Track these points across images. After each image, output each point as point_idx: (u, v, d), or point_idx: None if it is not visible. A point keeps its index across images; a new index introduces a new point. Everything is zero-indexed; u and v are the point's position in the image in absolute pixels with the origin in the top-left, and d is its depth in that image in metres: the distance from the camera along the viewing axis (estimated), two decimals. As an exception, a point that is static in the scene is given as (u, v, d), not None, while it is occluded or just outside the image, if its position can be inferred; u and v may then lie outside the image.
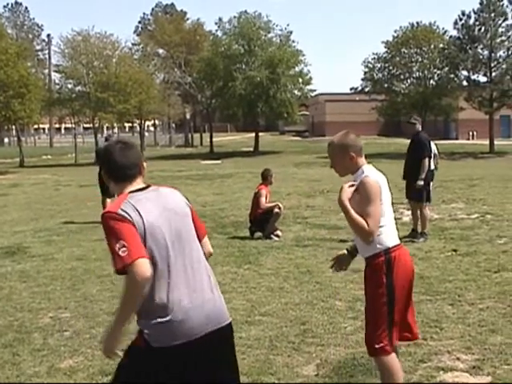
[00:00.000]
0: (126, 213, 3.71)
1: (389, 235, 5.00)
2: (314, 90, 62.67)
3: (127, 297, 3.64)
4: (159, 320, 3.73)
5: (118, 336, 3.77)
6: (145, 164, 4.07)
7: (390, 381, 4.98)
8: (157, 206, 3.84)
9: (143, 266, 3.55)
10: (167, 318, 3.72)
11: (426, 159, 13.03)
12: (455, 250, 11.79)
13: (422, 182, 12.97)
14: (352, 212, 4.85)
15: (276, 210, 14.03)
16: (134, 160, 3.98)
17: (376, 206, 4.84)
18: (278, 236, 13.79)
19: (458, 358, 6.43)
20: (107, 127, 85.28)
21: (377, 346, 4.89)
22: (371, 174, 4.98)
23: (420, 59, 60.09)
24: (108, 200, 18.24)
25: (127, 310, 3.70)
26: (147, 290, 3.65)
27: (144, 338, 3.78)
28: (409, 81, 60.98)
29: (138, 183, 3.97)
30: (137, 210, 3.73)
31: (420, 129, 13.49)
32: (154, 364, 3.73)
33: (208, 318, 3.83)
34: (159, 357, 3.72)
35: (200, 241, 4.14)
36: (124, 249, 3.57)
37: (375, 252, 4.94)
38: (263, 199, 14.16)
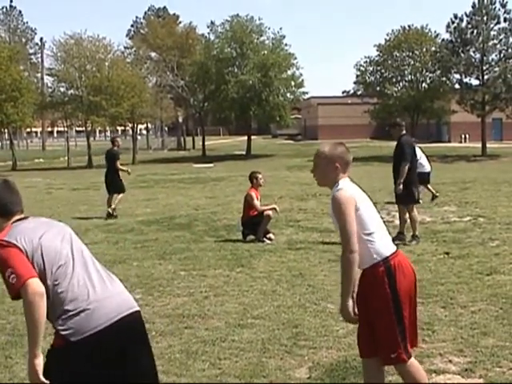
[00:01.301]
0: (10, 239, 3.98)
1: (382, 243, 4.93)
2: (307, 93, 62.76)
3: (31, 316, 3.82)
4: (72, 313, 3.94)
5: (38, 360, 3.88)
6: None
7: None
8: (40, 227, 4.19)
9: (33, 284, 3.81)
10: (79, 310, 3.94)
11: (403, 164, 13.00)
12: (447, 253, 11.81)
13: (400, 187, 12.96)
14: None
15: (267, 212, 14.01)
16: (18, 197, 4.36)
17: (348, 221, 4.76)
18: (270, 239, 13.79)
19: (450, 361, 6.44)
20: (99, 130, 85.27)
21: (392, 356, 4.84)
22: (344, 187, 4.90)
23: (412, 62, 60.24)
24: (116, 195, 18.96)
25: (36, 328, 3.83)
26: (46, 302, 3.85)
27: (62, 336, 3.93)
28: (401, 84, 61.11)
29: (19, 216, 4.27)
30: (21, 234, 4.03)
31: (403, 132, 13.46)
32: (76, 358, 3.90)
33: (118, 305, 4.09)
34: (80, 349, 3.89)
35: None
36: (13, 275, 3.82)
37: (373, 262, 4.85)
38: (256, 201, 14.16)
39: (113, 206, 18.57)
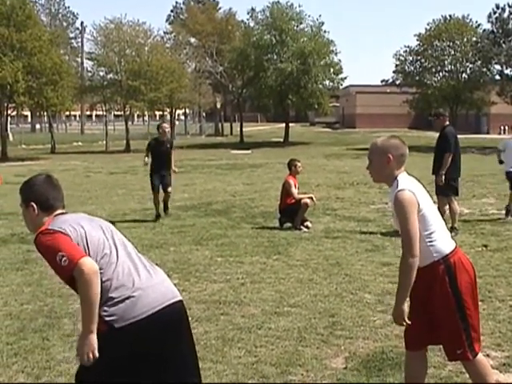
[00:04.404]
0: (54, 227, 4.12)
1: (443, 241, 4.85)
2: (345, 78, 62.27)
3: (87, 293, 3.89)
4: (117, 300, 4.03)
5: (94, 336, 3.98)
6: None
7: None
8: (82, 219, 4.34)
9: (87, 263, 3.90)
10: (124, 297, 4.03)
11: (447, 154, 12.90)
12: (486, 246, 11.72)
13: (442, 178, 12.87)
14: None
15: (304, 200, 13.99)
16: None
17: (411, 223, 4.65)
18: (307, 227, 13.77)
19: (487, 355, 6.36)
20: (138, 115, 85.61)
21: (458, 352, 4.80)
22: (405, 185, 4.77)
23: (452, 52, 59.57)
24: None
25: (92, 305, 3.91)
26: (99, 283, 3.95)
27: (106, 322, 4.01)
28: (441, 74, 60.51)
29: (61, 211, 4.42)
30: (65, 223, 4.16)
31: (447, 123, 13.34)
32: (118, 344, 4.01)
33: (162, 294, 4.20)
34: (123, 336, 4.00)
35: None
36: (64, 258, 3.90)
37: (433, 260, 4.78)
38: (294, 189, 14.15)
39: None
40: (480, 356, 4.88)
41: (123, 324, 3.99)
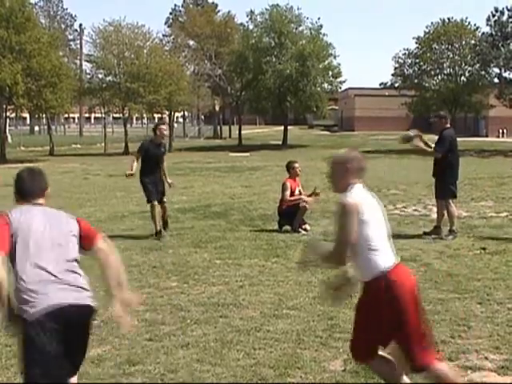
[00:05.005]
0: (9, 214, 4.79)
1: (384, 256, 4.97)
2: (344, 82, 62.34)
3: None
4: (23, 290, 4.54)
5: None
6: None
7: None
8: (38, 212, 4.87)
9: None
10: (30, 289, 4.53)
11: (437, 154, 12.93)
12: (484, 249, 11.72)
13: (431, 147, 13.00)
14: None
15: (302, 203, 14.00)
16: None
17: (347, 231, 4.81)
18: (306, 230, 13.79)
19: (486, 358, 6.39)
20: (136, 117, 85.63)
21: (418, 362, 4.88)
22: (354, 194, 4.93)
23: (451, 55, 59.60)
24: None
25: None
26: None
27: (21, 317, 4.50)
28: (439, 77, 60.49)
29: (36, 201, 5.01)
30: (17, 212, 4.81)
31: (447, 125, 13.35)
32: (33, 333, 4.47)
33: (67, 295, 4.59)
34: (34, 327, 4.45)
35: (90, 248, 5.01)
36: None
37: (374, 276, 4.89)
38: (286, 193, 14.16)
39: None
40: (438, 364, 4.96)
41: (33, 318, 4.45)
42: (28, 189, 5.02)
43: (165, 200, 13.91)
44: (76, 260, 4.84)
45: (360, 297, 5.11)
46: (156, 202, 13.53)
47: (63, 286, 4.62)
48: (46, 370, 4.48)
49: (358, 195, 4.95)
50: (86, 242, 4.98)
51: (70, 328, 4.56)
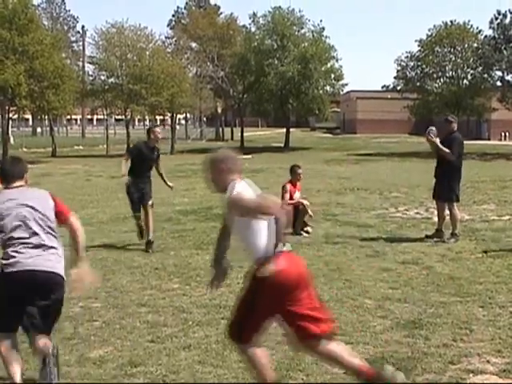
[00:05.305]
0: None
1: (268, 242, 5.14)
2: (346, 85, 62.34)
3: None
4: (6, 255, 5.69)
5: None
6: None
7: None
8: (18, 193, 5.92)
9: None
10: (10, 255, 5.66)
11: (452, 156, 12.93)
12: (486, 252, 11.72)
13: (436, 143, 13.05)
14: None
15: (301, 206, 14.02)
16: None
17: (252, 200, 5.09)
18: (307, 232, 13.80)
19: (488, 361, 6.39)
20: (138, 119, 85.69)
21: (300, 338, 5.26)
22: (237, 190, 5.15)
23: (453, 58, 59.52)
24: None
25: None
26: None
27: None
28: (442, 80, 60.42)
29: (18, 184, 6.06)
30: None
31: (455, 129, 13.35)
32: (5, 283, 5.66)
33: (38, 262, 5.64)
34: (7, 278, 5.63)
35: (64, 222, 6.02)
36: None
37: (258, 258, 5.16)
38: (286, 195, 14.18)
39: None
40: (328, 343, 5.28)
41: (7, 271, 5.61)
42: (9, 172, 6.07)
43: (150, 204, 12.92)
44: (51, 230, 5.88)
45: (248, 280, 5.42)
46: (138, 213, 12.94)
47: (38, 253, 5.69)
48: None
49: (240, 189, 5.17)
50: (60, 217, 5.98)
51: (36, 289, 5.63)
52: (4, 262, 5.65)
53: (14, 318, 5.68)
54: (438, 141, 12.96)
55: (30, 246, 5.68)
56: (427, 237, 13.10)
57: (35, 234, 5.74)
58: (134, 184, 12.77)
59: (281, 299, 5.13)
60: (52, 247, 5.79)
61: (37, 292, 5.61)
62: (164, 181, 13.52)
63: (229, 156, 5.47)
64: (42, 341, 5.59)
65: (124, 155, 13.52)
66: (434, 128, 13.34)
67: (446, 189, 13.02)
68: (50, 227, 5.85)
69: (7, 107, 46.67)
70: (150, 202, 12.87)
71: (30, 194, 5.97)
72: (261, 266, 5.07)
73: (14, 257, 5.61)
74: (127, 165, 12.85)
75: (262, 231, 5.18)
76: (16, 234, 5.70)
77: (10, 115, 49.68)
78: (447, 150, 12.86)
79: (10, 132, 57.42)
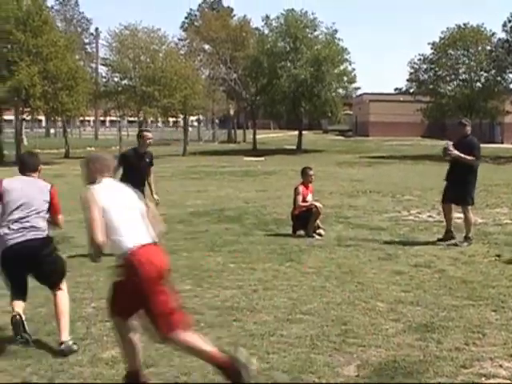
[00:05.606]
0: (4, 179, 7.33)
1: (128, 238, 5.59)
2: (359, 88, 62.35)
3: None
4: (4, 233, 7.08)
5: None
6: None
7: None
8: (24, 181, 7.37)
9: None
10: (8, 232, 7.07)
11: (477, 161, 12.93)
12: (499, 256, 11.67)
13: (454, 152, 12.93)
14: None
15: (314, 208, 13.99)
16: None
17: (92, 214, 5.56)
18: (320, 235, 13.78)
19: (500, 365, 6.36)
20: (151, 121, 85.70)
21: (161, 334, 5.62)
22: (95, 187, 5.81)
23: (467, 61, 59.40)
24: None
25: None
26: None
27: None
28: (455, 83, 60.25)
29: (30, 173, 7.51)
30: (10, 180, 7.38)
31: (468, 132, 13.32)
32: (8, 255, 7.06)
33: (30, 233, 7.11)
34: (10, 251, 7.02)
35: (52, 216, 7.43)
36: None
37: (120, 255, 5.57)
38: (298, 197, 14.17)
39: None
40: (183, 334, 5.60)
41: (8, 245, 7.02)
42: (25, 163, 7.57)
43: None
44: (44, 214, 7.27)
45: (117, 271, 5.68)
46: None
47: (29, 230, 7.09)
48: None
49: (99, 188, 5.81)
50: (50, 211, 7.35)
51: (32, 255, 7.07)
52: (6, 238, 7.01)
53: (22, 284, 7.30)
54: (458, 153, 12.88)
55: (25, 225, 7.08)
56: (439, 240, 13.06)
57: (28, 216, 7.11)
58: None
59: (140, 292, 5.48)
60: (40, 228, 7.19)
61: (34, 257, 7.10)
62: (151, 190, 12.69)
63: (99, 157, 6.25)
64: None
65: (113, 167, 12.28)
66: (448, 142, 13.29)
67: (462, 192, 12.93)
68: (43, 212, 7.24)
69: (21, 108, 46.86)
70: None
71: (35, 184, 7.40)
72: (120, 261, 5.56)
73: (8, 234, 7.01)
74: (117, 174, 11.65)
75: (118, 228, 5.62)
76: (16, 215, 7.07)
77: (24, 116, 49.85)
78: (470, 158, 12.82)
79: (23, 133, 57.60)
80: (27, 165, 7.53)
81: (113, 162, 6.37)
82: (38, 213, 7.20)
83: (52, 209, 7.36)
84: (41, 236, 7.17)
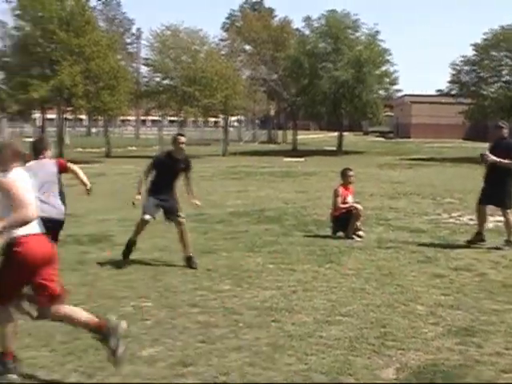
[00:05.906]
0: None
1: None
2: (400, 90, 61.93)
3: None
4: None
5: None
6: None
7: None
8: (38, 163, 9.27)
9: None
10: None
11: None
12: (540, 260, 11.55)
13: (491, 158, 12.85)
14: None
15: (354, 210, 13.94)
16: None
17: (18, 195, 6.00)
18: (360, 236, 13.73)
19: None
20: (192, 121, 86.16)
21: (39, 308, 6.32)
22: (11, 174, 6.14)
23: (510, 63, 58.74)
24: None
25: None
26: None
27: None
28: (497, 84, 59.62)
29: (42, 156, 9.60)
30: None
31: (505, 135, 13.21)
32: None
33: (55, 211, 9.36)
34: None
35: (65, 170, 9.98)
36: None
37: (9, 240, 5.99)
38: (338, 199, 14.14)
39: None
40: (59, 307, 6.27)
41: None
42: (35, 148, 9.61)
43: (181, 216, 11.45)
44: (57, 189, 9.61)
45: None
46: (148, 217, 11.19)
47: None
48: None
49: (14, 174, 6.15)
50: (61, 169, 9.77)
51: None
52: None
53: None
54: (494, 158, 12.77)
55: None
56: (468, 242, 12.95)
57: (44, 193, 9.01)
58: (154, 197, 11.39)
59: (25, 271, 6.07)
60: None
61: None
62: (191, 194, 12.03)
63: (10, 145, 6.46)
64: None
65: (143, 172, 11.84)
66: (486, 153, 13.16)
67: (500, 194, 12.82)
68: (54, 188, 9.55)
69: (63, 107, 47.33)
70: (181, 215, 11.43)
71: (43, 165, 9.38)
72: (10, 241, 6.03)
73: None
74: (145, 182, 11.64)
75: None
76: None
77: (66, 115, 50.30)
78: (506, 161, 12.69)
79: (66, 132, 58.16)
80: (37, 149, 9.66)
81: (23, 150, 6.68)
82: (54, 190, 9.66)
83: (61, 167, 9.88)
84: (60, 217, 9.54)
